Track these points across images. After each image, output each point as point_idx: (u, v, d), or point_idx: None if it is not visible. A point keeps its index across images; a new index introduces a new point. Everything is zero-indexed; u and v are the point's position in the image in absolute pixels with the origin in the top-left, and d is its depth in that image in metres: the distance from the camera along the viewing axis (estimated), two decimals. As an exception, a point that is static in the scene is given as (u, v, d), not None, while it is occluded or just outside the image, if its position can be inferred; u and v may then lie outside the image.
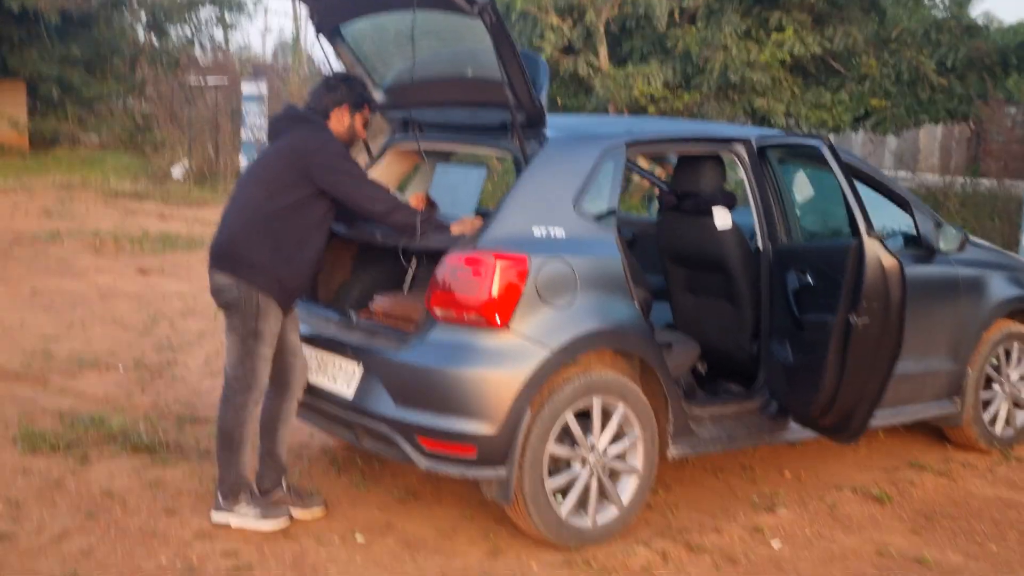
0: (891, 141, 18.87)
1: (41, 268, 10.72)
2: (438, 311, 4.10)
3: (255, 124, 19.18)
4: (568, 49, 15.20)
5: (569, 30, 14.79)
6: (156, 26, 29.04)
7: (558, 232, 4.21)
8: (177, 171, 20.17)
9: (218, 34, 29.96)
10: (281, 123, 4.43)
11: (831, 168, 4.49)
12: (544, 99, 4.28)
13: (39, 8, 24.15)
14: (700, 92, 14.52)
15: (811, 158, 4.98)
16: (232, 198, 4.37)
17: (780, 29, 14.20)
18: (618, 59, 15.61)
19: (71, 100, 26.36)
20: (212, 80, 22.28)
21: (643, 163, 9.35)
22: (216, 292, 4.27)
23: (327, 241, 4.40)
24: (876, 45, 14.52)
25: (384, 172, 5.22)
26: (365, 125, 4.55)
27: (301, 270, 4.28)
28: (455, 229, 4.39)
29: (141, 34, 28.20)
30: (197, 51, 29.03)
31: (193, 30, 29.34)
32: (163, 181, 19.67)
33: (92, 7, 26.39)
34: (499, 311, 4.00)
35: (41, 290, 9.54)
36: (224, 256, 4.25)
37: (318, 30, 4.90)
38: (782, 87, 14.47)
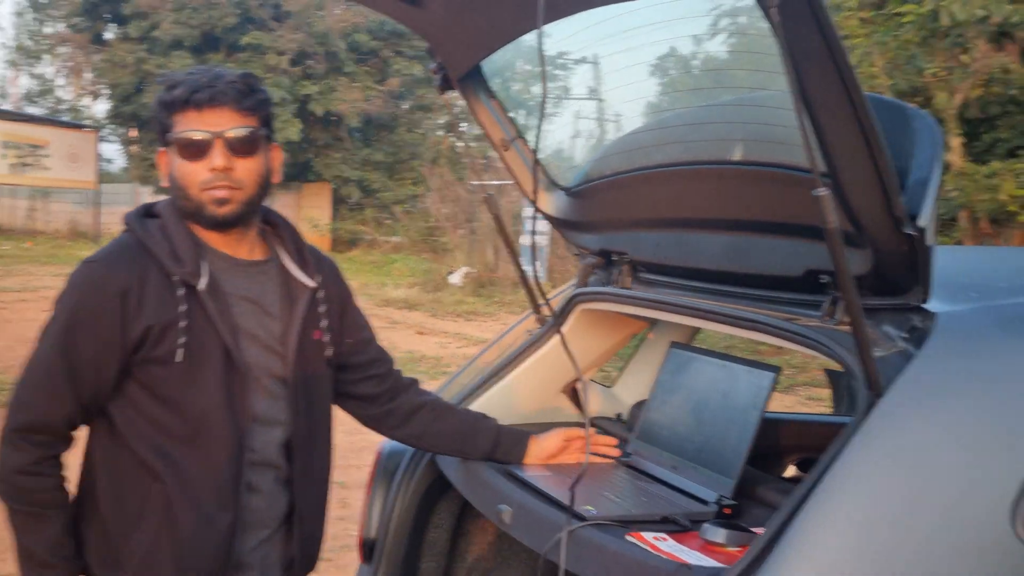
0: None
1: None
2: None
3: (536, 228, 17.48)
4: (908, 142, 12.02)
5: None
6: (455, 129, 28.59)
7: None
8: (455, 278, 18.90)
9: (518, 136, 28.93)
10: None
11: None
12: (931, 218, 1.55)
13: (341, 112, 24.18)
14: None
15: None
16: None
17: None
18: (976, 154, 12.19)
19: (371, 203, 26.22)
20: (495, 181, 21.06)
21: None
22: None
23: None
24: None
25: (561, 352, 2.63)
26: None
27: None
28: None
29: (440, 137, 27.73)
30: (493, 153, 28.21)
31: (493, 132, 28.61)
32: (439, 288, 18.32)
33: (395, 111, 26.31)
34: None
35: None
36: None
37: (445, 83, 2.46)
38: None
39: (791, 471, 3.13)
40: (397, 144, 27.08)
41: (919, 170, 1.60)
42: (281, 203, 27.61)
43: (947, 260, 1.81)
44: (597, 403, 2.82)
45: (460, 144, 28.23)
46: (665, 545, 1.81)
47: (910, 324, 1.65)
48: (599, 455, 2.36)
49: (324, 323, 2.03)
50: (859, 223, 1.58)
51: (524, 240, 18.03)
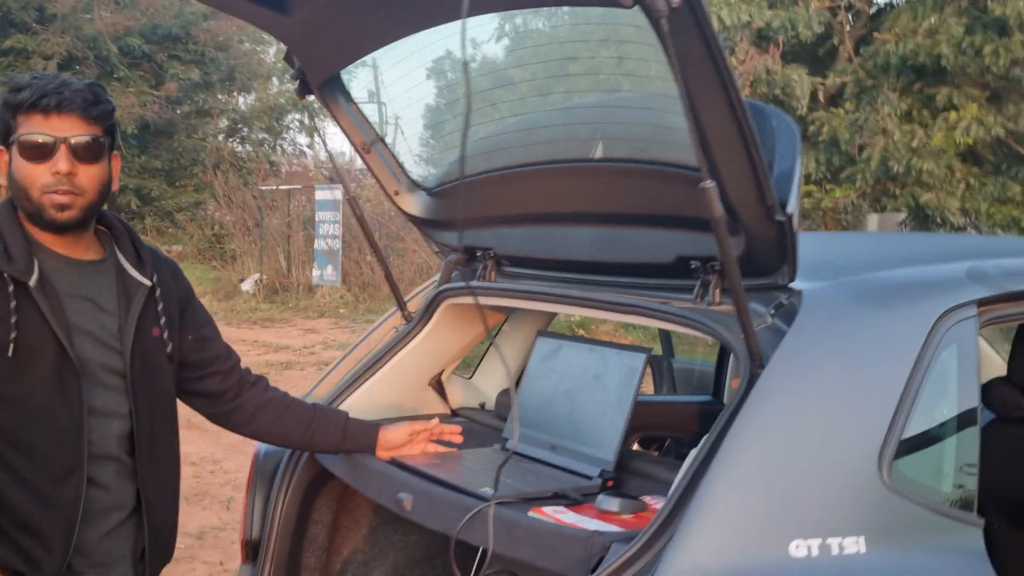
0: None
1: None
2: None
3: (329, 233, 17.39)
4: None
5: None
6: (237, 133, 27.86)
7: (850, 544, 1.63)
8: (247, 285, 18.49)
9: (302, 140, 28.56)
10: None
11: None
12: (796, 207, 1.75)
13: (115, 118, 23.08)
14: (853, 187, 11.86)
15: None
16: None
17: (949, 108, 11.53)
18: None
19: (150, 211, 25.17)
20: (285, 186, 20.69)
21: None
22: None
23: None
24: (1075, 124, 11.74)
25: (431, 344, 2.73)
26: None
27: None
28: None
29: (221, 142, 26.94)
30: (278, 158, 27.71)
31: (275, 137, 28.10)
32: (231, 296, 17.87)
33: (173, 117, 25.38)
34: None
35: None
36: None
37: (304, 88, 2.51)
38: (954, 178, 11.72)
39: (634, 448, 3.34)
40: (176, 150, 26.10)
41: (782, 163, 1.80)
42: (51, 215, 26.01)
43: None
44: (460, 395, 2.93)
45: (241, 149, 27.56)
46: (566, 517, 1.95)
47: (776, 301, 1.85)
48: (446, 443, 2.46)
49: (162, 320, 2.07)
50: (735, 212, 1.77)
51: (317, 244, 17.89)
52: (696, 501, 1.61)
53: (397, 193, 2.67)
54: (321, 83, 2.51)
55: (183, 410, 2.20)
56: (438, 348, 2.76)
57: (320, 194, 18.01)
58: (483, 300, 2.57)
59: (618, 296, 2.14)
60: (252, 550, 2.54)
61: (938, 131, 11.23)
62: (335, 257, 17.24)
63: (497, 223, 2.55)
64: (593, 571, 1.69)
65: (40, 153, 1.88)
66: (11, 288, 1.86)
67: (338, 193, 17.50)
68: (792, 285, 1.84)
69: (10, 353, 1.84)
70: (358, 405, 2.65)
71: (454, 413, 2.89)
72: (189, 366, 2.19)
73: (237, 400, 2.27)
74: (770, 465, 1.66)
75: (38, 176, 1.89)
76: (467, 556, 2.80)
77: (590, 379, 2.34)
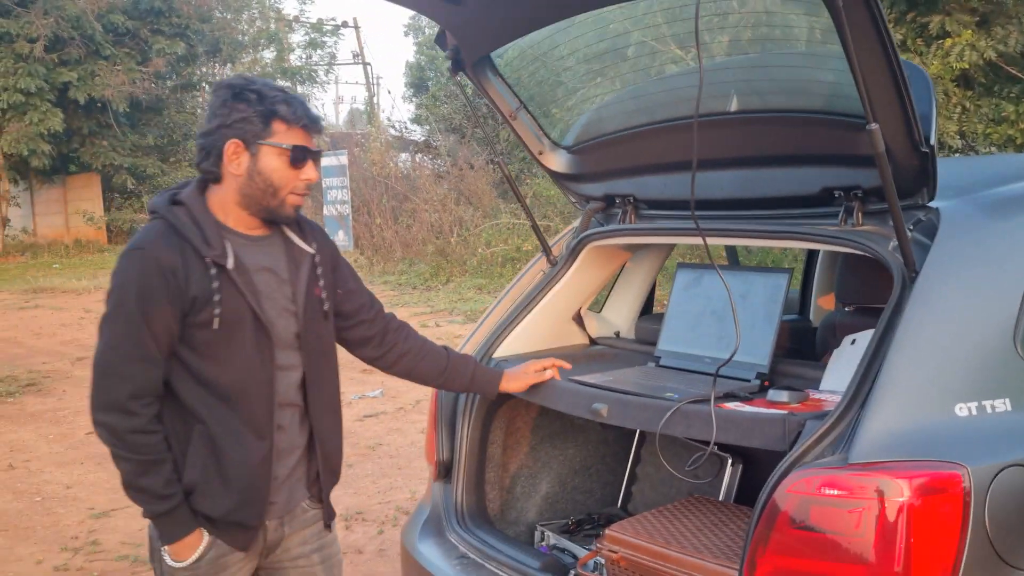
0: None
1: None
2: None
3: (337, 198, 17.63)
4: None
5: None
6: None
7: (1000, 405, 2.06)
8: (256, 257, 18.61)
9: (291, 107, 28.57)
10: None
11: None
12: (935, 139, 2.16)
13: (106, 97, 23.12)
14: (855, 118, 12.23)
15: None
16: None
17: (943, 36, 11.90)
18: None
19: (146, 189, 25.30)
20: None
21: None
22: None
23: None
24: (1062, 42, 12.12)
25: (575, 283, 3.13)
26: (298, 162, 2.28)
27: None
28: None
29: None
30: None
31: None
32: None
33: (162, 92, 25.42)
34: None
35: None
36: None
37: (457, 66, 2.89)
38: (951, 103, 12.13)
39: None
40: (167, 126, 26.22)
41: (921, 105, 2.19)
42: (47, 197, 26.09)
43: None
44: (595, 326, 3.34)
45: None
46: (747, 409, 2.36)
47: (915, 218, 2.26)
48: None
49: (322, 281, 2.44)
50: (888, 147, 2.16)
51: (327, 211, 18.15)
52: (880, 380, 2.03)
53: (541, 152, 3.05)
54: (474, 62, 2.89)
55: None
56: (580, 286, 3.17)
57: (325, 160, 18.19)
58: (642, 240, 2.97)
59: (769, 225, 2.55)
60: (445, 469, 2.96)
61: (934, 59, 11.61)
62: (345, 222, 17.53)
63: (636, 173, 2.94)
64: (792, 446, 2.11)
65: (302, 163, 2.28)
66: (213, 271, 2.23)
67: (343, 159, 17.78)
68: (932, 204, 2.25)
69: (215, 326, 2.22)
70: (519, 337, 3.06)
71: (593, 342, 3.31)
72: (342, 316, 2.56)
73: (382, 347, 2.66)
74: (933, 348, 2.08)
75: (292, 179, 2.28)
76: (619, 465, 3.24)
77: (737, 299, 2.74)
